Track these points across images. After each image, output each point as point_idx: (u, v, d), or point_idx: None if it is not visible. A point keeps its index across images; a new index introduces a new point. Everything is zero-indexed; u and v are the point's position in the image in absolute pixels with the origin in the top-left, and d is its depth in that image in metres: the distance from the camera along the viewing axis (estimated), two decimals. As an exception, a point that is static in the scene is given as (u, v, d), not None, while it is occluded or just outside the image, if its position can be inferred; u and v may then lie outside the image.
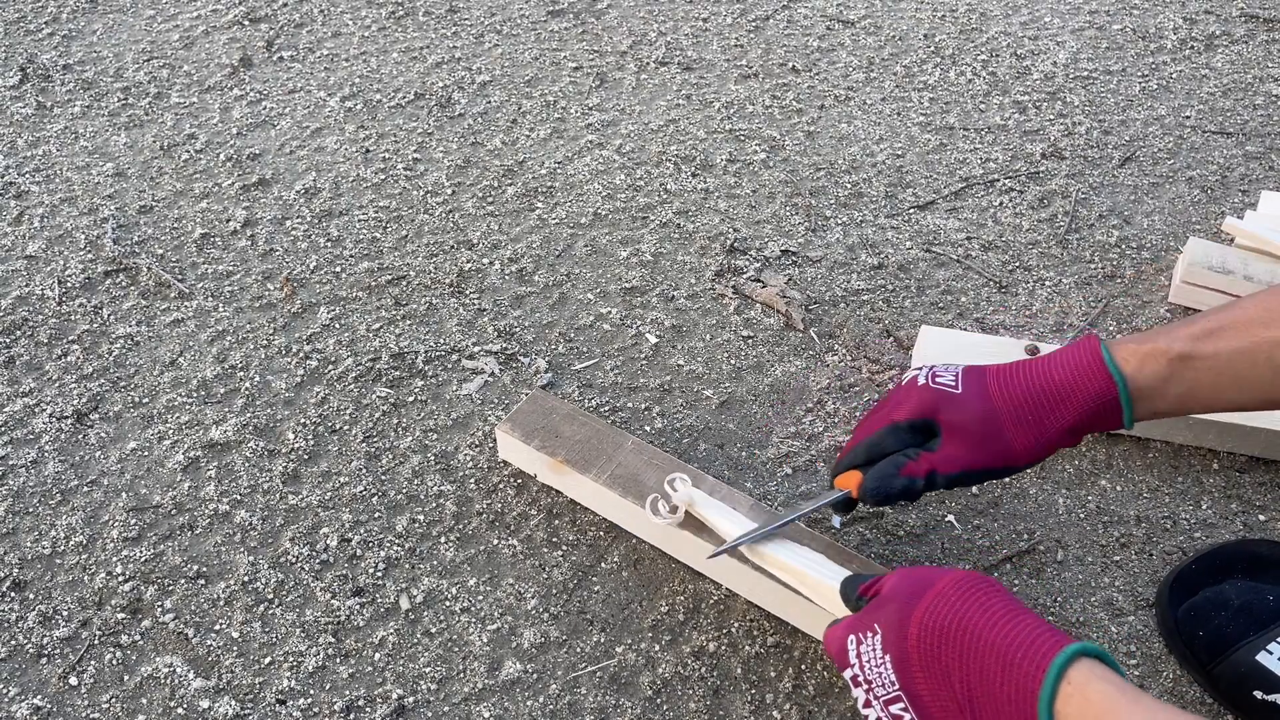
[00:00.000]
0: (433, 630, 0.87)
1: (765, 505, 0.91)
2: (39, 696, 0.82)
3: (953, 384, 0.77)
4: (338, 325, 1.18)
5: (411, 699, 0.82)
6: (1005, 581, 0.92)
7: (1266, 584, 0.85)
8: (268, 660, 0.85)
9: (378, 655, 0.85)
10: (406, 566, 0.92)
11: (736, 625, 0.87)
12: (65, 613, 0.88)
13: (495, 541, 0.94)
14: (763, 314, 1.20)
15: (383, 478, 1.00)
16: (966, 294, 1.23)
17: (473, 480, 1.00)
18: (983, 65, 1.68)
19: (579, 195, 1.39)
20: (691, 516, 0.88)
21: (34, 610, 0.88)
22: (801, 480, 1.00)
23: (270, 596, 0.90)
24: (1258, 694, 0.78)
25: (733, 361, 1.14)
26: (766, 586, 0.85)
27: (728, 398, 1.09)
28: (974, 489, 1.00)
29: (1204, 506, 0.98)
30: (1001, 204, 1.38)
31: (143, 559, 0.93)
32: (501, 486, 0.99)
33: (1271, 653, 0.78)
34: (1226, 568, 0.90)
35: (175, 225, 1.32)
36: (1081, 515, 0.98)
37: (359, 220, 1.34)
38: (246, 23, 1.75)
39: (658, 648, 0.86)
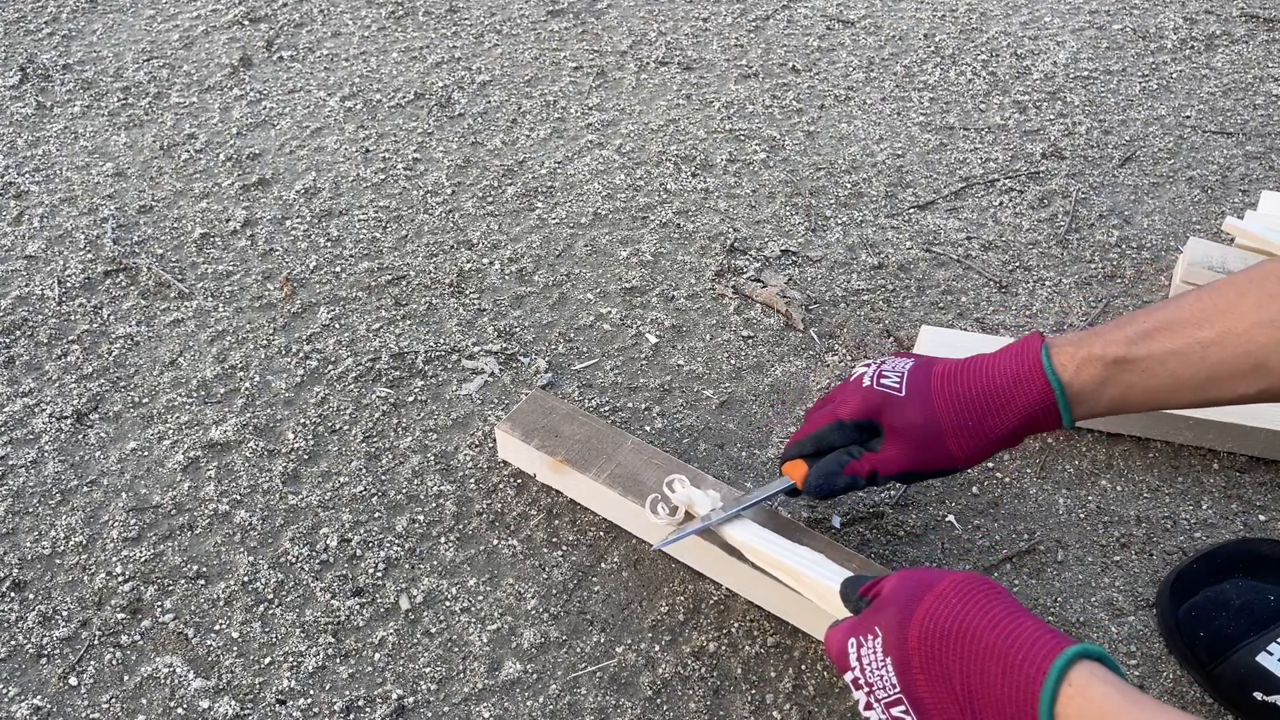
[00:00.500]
0: (433, 630, 0.87)
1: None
2: (39, 696, 0.82)
3: (896, 386, 0.80)
4: (338, 325, 1.18)
5: (411, 699, 0.82)
6: (1005, 582, 0.92)
7: (1267, 584, 0.85)
8: (268, 660, 0.85)
9: (378, 655, 0.85)
10: (406, 566, 0.92)
11: (736, 625, 0.87)
12: (65, 613, 0.88)
13: (495, 541, 0.94)
14: (763, 314, 1.20)
15: (383, 478, 1.00)
16: (966, 294, 1.23)
17: (473, 480, 1.00)
18: (983, 65, 1.68)
19: (579, 195, 1.38)
20: (691, 517, 0.88)
21: (34, 610, 0.88)
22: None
23: (270, 596, 0.90)
24: (1258, 695, 0.78)
25: (733, 361, 1.14)
26: (767, 586, 0.85)
27: (728, 398, 1.09)
28: (974, 489, 1.00)
29: (1204, 506, 0.98)
30: (1001, 204, 1.38)
31: (143, 559, 0.93)
32: (501, 486, 0.99)
33: (1272, 653, 0.78)
34: (1227, 568, 0.89)
35: (175, 225, 1.32)
36: (1081, 515, 0.98)
37: (359, 220, 1.34)
38: (246, 22, 1.75)
39: (658, 648, 0.86)
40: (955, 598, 0.64)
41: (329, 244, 1.29)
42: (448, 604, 0.89)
